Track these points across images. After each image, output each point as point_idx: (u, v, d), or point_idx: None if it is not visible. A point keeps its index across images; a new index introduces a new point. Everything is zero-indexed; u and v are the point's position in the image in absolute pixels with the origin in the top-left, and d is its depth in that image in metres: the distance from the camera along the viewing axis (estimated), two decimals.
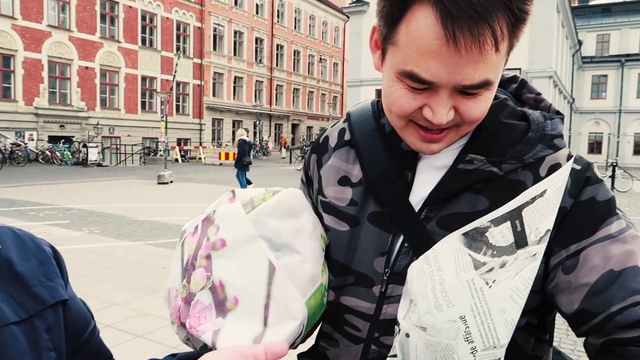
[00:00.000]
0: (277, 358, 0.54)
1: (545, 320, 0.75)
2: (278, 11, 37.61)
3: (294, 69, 40.09)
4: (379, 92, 0.77)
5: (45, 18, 22.90)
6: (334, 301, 0.79)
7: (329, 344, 0.80)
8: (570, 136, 31.40)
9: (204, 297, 0.71)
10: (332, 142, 0.86)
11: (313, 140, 0.90)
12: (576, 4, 41.13)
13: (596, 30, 40.13)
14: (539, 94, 0.78)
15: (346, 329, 0.78)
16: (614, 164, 17.21)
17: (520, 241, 0.57)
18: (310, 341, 0.88)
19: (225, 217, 0.74)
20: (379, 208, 0.76)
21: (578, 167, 0.70)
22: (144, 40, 27.81)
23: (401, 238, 0.74)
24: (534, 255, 0.56)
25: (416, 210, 0.73)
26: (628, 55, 38.13)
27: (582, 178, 0.69)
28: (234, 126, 34.55)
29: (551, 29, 24.08)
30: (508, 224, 0.58)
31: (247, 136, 12.33)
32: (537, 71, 24.05)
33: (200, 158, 26.56)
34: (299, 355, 0.84)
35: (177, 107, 30.01)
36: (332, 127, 0.90)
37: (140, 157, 24.68)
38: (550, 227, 0.58)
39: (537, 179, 0.70)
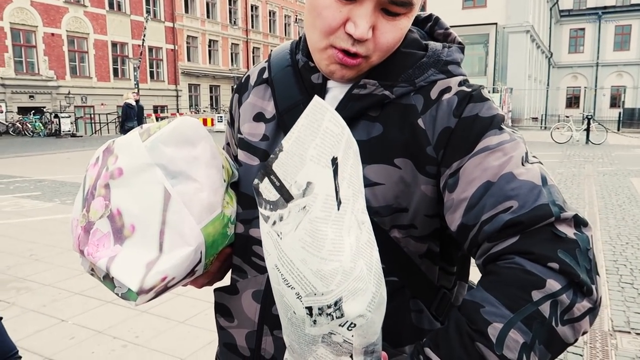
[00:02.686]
0: None
1: (450, 250, 0.75)
2: None
3: (270, 31, 39.20)
4: None
5: None
6: (243, 233, 0.80)
7: (239, 276, 0.81)
8: (547, 91, 31.62)
9: (103, 226, 0.71)
10: (252, 80, 0.87)
11: None
12: None
13: None
14: (447, 28, 0.80)
15: (253, 260, 0.79)
16: (589, 116, 17.47)
17: (286, 195, 0.57)
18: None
19: (123, 146, 0.74)
20: None
21: (468, 90, 0.70)
22: (111, 4, 26.74)
23: None
24: (304, 208, 0.56)
25: None
26: (605, 7, 38.13)
27: (467, 97, 0.69)
28: (211, 91, 33.94)
29: None
30: (266, 179, 0.57)
31: (136, 99, 11.98)
32: (514, 26, 23.95)
33: None
34: (215, 290, 0.86)
35: (152, 73, 29.26)
36: (254, 67, 0.90)
37: (116, 126, 24.18)
38: (312, 179, 0.56)
39: (428, 101, 0.71)
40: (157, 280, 0.68)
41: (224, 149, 0.95)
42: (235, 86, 0.92)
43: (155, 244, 0.69)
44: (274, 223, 0.58)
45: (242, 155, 0.82)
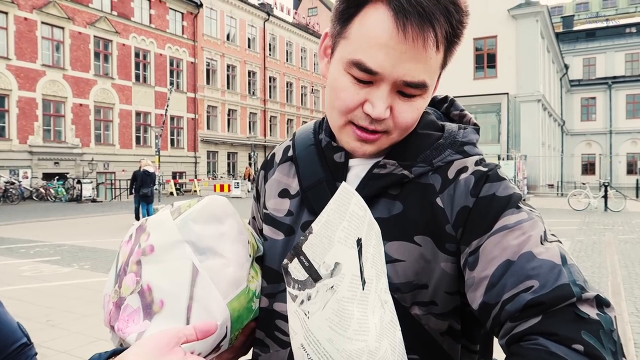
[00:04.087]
0: (208, 335, 0.59)
1: (472, 328, 0.75)
2: (270, 44, 38.31)
3: (287, 100, 40.57)
4: None
5: (39, 58, 23.25)
6: (267, 307, 0.81)
7: (262, 350, 0.82)
8: (562, 158, 31.65)
9: (133, 301, 0.73)
10: (278, 158, 0.91)
11: None
12: (560, 30, 42.13)
13: (582, 54, 41.04)
14: (462, 110, 0.83)
15: (276, 334, 0.80)
16: (606, 184, 17.32)
17: (314, 275, 0.59)
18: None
19: (155, 224, 0.78)
20: (311, 217, 0.79)
21: (484, 169, 0.72)
22: (137, 77, 28.17)
23: None
24: (332, 287, 0.58)
25: None
26: (614, 77, 38.94)
27: (484, 177, 0.71)
28: (228, 158, 34.69)
29: (536, 54, 24.60)
30: (296, 260, 0.60)
31: (153, 168, 12.45)
32: (525, 95, 24.44)
33: (195, 191, 26.57)
34: None
35: (172, 140, 30.19)
36: (279, 145, 0.94)
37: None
38: (340, 260, 0.58)
39: (445, 181, 0.73)
40: None
41: (249, 223, 0.98)
42: (250, 155, 0.98)
43: (182, 319, 0.71)
44: (302, 302, 0.59)
45: (267, 230, 0.85)
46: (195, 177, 29.41)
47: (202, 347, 0.71)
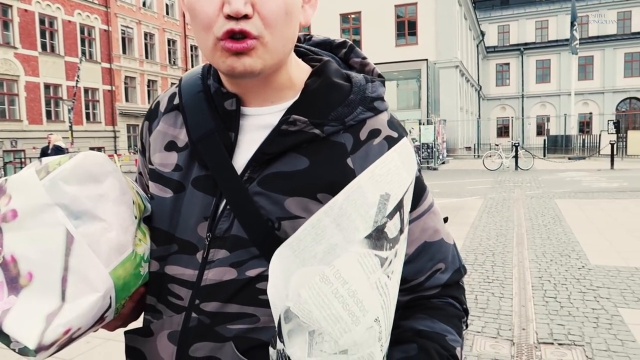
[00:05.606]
0: None
1: None
2: None
3: None
4: None
5: None
6: (158, 271, 0.76)
7: (154, 317, 0.77)
8: (479, 121, 33.40)
9: None
10: (162, 107, 0.82)
11: None
12: None
13: (497, 21, 42.94)
14: (364, 58, 0.80)
15: (169, 299, 0.75)
16: (516, 144, 18.59)
17: (402, 226, 0.61)
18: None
19: (17, 186, 0.68)
20: (203, 172, 0.74)
21: (395, 136, 0.74)
22: (44, 46, 25.89)
23: (224, 201, 0.72)
24: (404, 233, 0.62)
25: (240, 171, 0.72)
26: (526, 44, 41.26)
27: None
28: None
29: (454, 21, 25.45)
30: (397, 214, 0.59)
31: (65, 143, 11.97)
32: (444, 61, 25.35)
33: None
34: (126, 332, 0.80)
35: (87, 114, 28.32)
36: (165, 92, 0.86)
37: None
38: (410, 205, 0.66)
39: (357, 141, 0.72)
40: (60, 334, 0.63)
41: (136, 180, 0.91)
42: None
43: (56, 292, 0.63)
44: (390, 263, 0.58)
45: (153, 187, 0.78)
46: (115, 152, 27.94)
47: (81, 322, 0.65)
